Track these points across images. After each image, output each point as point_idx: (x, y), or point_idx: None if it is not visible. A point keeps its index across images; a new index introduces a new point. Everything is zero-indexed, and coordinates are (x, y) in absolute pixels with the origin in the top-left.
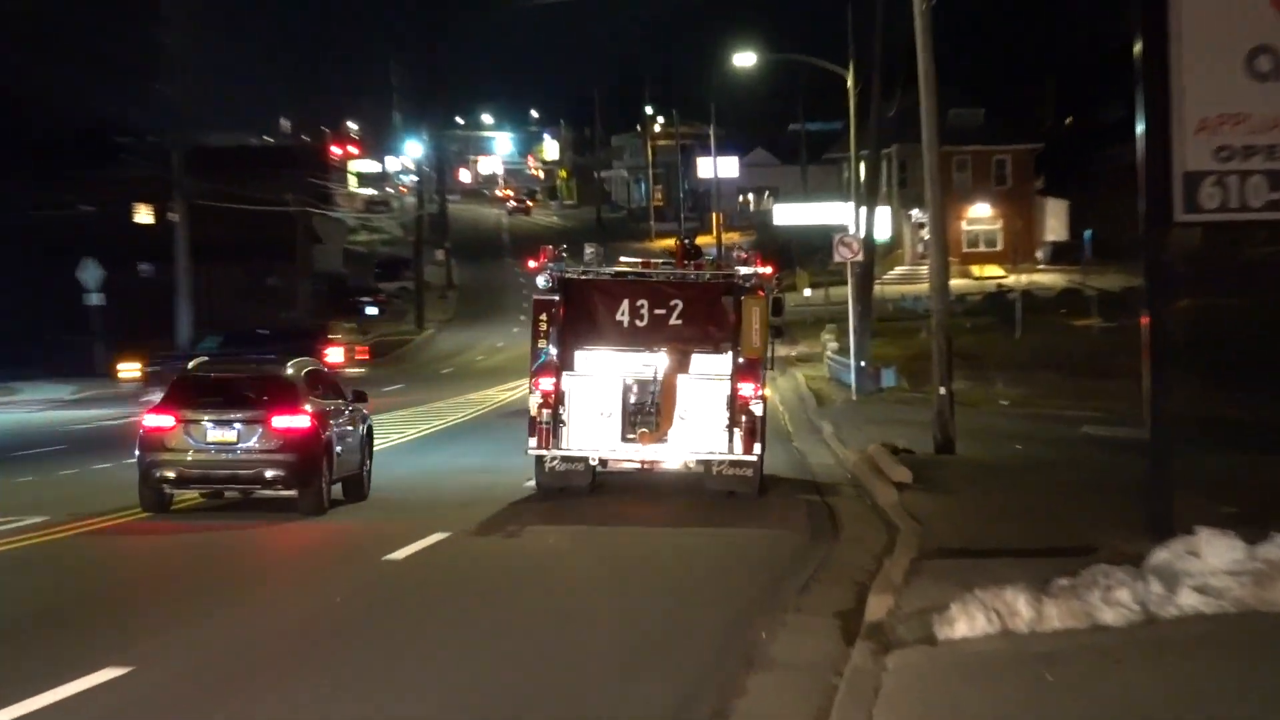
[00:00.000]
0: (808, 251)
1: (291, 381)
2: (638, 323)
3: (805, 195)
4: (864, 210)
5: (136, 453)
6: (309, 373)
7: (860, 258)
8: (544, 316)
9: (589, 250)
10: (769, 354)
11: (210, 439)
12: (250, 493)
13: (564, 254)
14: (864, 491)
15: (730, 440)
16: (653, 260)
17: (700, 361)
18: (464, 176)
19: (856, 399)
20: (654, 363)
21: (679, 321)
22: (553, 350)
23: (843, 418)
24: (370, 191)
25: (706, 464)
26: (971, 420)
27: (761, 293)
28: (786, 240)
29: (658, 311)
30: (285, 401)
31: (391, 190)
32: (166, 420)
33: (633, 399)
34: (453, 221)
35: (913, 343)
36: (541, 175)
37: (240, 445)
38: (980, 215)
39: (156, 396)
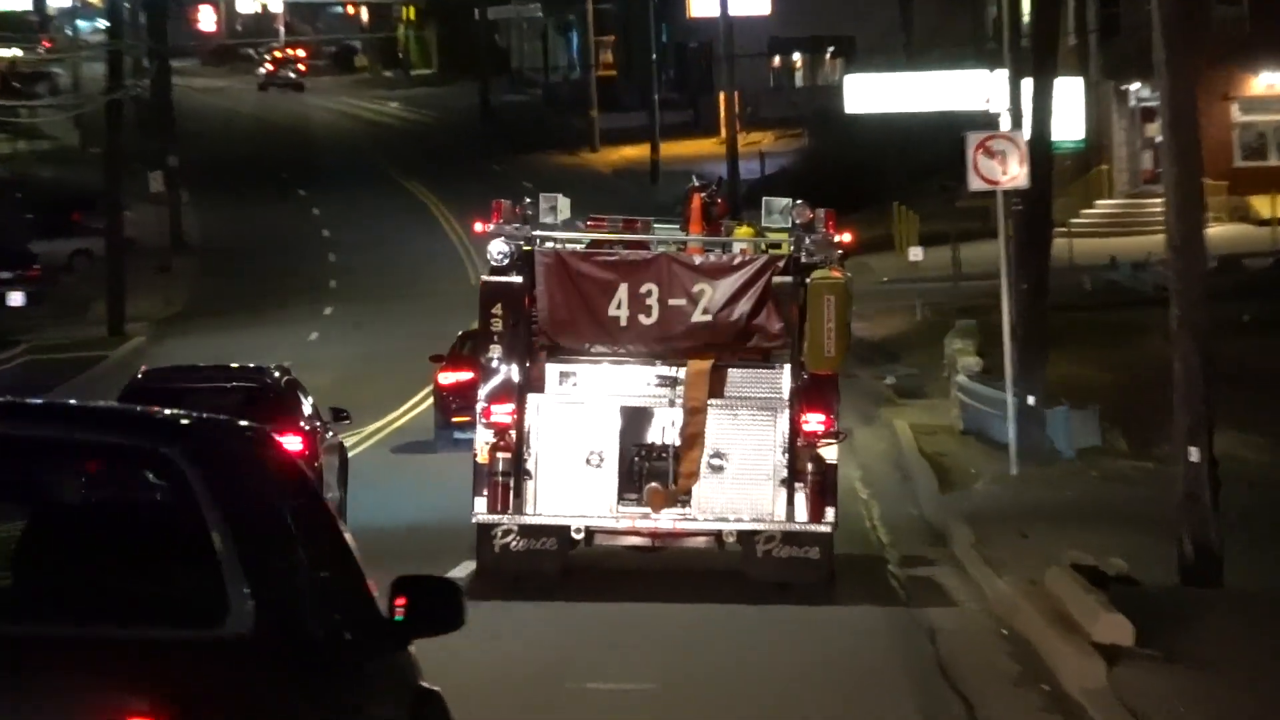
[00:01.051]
0: (912, 173)
1: (275, 392)
2: (643, 319)
3: (906, 58)
4: (1028, 85)
5: None
6: (289, 381)
7: (1023, 182)
8: (499, 309)
9: (547, 203)
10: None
11: None
12: None
13: (530, 211)
14: (1035, 663)
15: (789, 501)
16: (641, 219)
17: (741, 379)
18: (206, 23)
19: (1018, 471)
20: (669, 381)
21: (707, 317)
22: (511, 362)
23: (991, 511)
24: (14, 53)
25: (749, 538)
26: (1258, 509)
27: (838, 271)
28: (867, 148)
29: (674, 302)
30: (271, 418)
31: (43, 52)
32: None
33: (636, 438)
34: (188, 115)
35: (1132, 356)
36: (365, 18)
37: None
38: (1267, 93)
39: None
